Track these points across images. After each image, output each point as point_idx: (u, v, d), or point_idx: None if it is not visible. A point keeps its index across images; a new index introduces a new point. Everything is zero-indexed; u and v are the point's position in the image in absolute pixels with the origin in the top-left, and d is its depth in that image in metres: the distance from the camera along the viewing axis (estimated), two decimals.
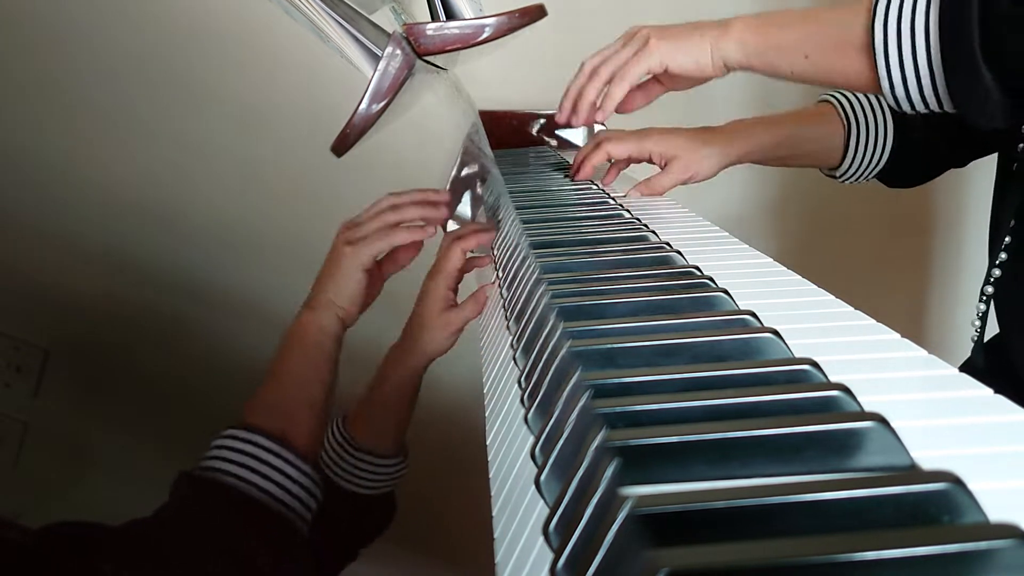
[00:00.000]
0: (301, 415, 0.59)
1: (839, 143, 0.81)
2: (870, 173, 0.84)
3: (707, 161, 0.80)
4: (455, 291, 0.70)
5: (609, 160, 0.84)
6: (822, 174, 0.88)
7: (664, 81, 0.72)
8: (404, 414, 0.73)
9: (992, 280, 0.70)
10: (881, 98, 0.81)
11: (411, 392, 0.73)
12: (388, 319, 0.73)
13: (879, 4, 0.56)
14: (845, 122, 0.81)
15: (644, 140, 0.81)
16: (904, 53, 0.55)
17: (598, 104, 0.72)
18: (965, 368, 0.35)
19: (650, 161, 0.83)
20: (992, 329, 0.73)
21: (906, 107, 0.57)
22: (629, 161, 0.85)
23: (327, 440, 0.75)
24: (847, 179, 0.85)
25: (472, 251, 0.73)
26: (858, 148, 0.81)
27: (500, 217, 0.77)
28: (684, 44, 0.66)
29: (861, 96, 0.81)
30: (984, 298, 0.71)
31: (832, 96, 0.82)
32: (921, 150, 0.81)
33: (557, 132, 1.15)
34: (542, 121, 1.15)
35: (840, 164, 0.82)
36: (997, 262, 0.70)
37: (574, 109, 0.72)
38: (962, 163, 0.83)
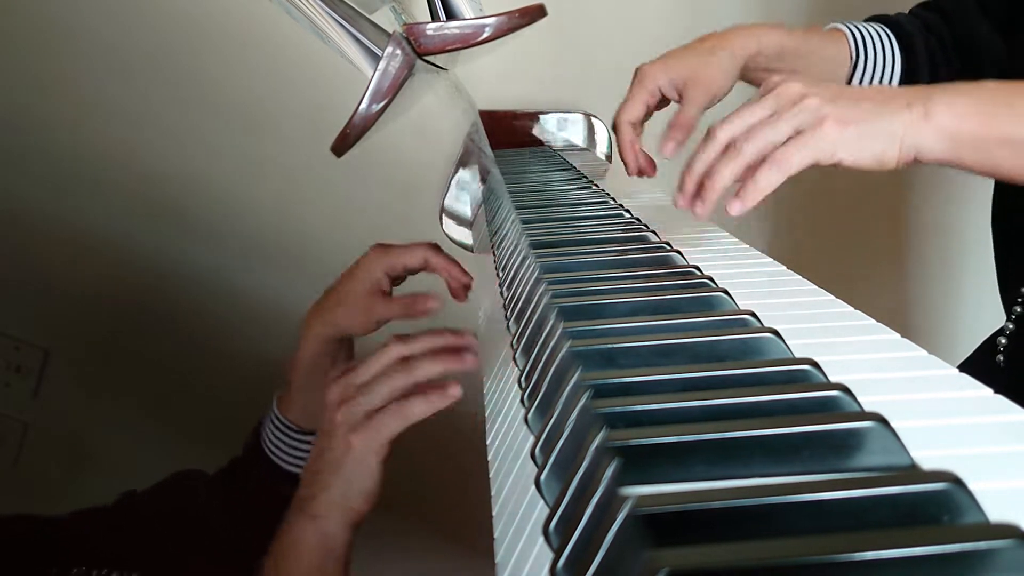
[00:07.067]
0: None
1: (843, 73, 0.73)
2: None
3: (720, 70, 0.68)
4: (392, 280, 0.67)
5: (638, 128, 0.72)
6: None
7: None
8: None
9: (1015, 316, 0.69)
10: (893, 35, 0.73)
11: (327, 364, 0.67)
12: (399, 322, 0.72)
13: None
14: (854, 52, 0.73)
15: (644, 80, 0.69)
16: None
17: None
18: (965, 367, 0.35)
19: (664, 100, 0.71)
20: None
21: None
22: (649, 112, 0.72)
23: (268, 426, 0.71)
24: None
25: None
26: (863, 82, 0.73)
27: (500, 220, 0.77)
28: (871, 131, 0.49)
29: (872, 30, 0.74)
30: (1009, 331, 0.70)
31: (844, 24, 0.75)
32: None
33: (554, 131, 1.15)
34: (543, 121, 1.15)
35: None
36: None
37: (699, 193, 0.54)
38: None
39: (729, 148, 0.53)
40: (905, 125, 0.49)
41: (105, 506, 0.70)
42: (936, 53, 0.75)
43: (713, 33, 0.71)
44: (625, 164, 0.73)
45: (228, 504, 0.71)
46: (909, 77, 0.75)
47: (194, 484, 0.73)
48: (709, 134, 0.54)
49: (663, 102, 0.72)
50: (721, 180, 0.52)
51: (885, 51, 0.72)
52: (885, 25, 0.76)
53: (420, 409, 0.52)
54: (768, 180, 0.51)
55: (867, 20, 0.79)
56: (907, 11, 0.80)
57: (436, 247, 0.69)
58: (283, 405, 0.71)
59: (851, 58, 0.72)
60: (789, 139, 0.50)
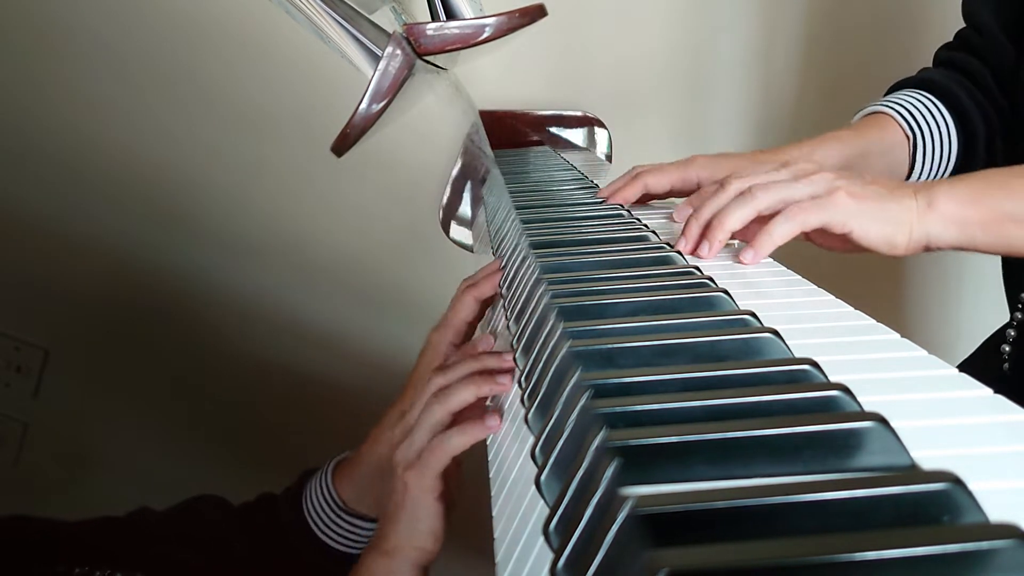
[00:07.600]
0: None
1: (904, 156, 0.73)
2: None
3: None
4: (459, 345, 0.63)
5: (647, 192, 0.71)
6: None
7: (814, 236, 0.55)
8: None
9: (1016, 323, 0.68)
10: (934, 97, 0.72)
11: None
12: (398, 323, 0.71)
13: None
14: (910, 132, 0.72)
15: (688, 167, 0.69)
16: None
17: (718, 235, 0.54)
18: (965, 368, 0.35)
19: (695, 189, 0.70)
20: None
21: None
22: (671, 195, 0.72)
23: (315, 490, 0.68)
24: None
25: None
26: (926, 158, 0.72)
27: (500, 220, 0.77)
28: (881, 212, 0.52)
29: (916, 100, 0.73)
30: (1011, 338, 0.69)
31: (886, 105, 0.74)
32: (983, 151, 0.74)
33: (554, 131, 1.15)
34: (543, 121, 1.15)
35: (907, 179, 0.74)
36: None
37: (705, 235, 0.55)
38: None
39: (743, 195, 0.54)
40: (912, 213, 0.52)
41: (116, 516, 0.69)
42: (984, 105, 0.73)
43: (772, 150, 0.72)
44: (614, 191, 0.71)
45: (244, 536, 0.69)
46: (967, 138, 0.73)
47: (212, 510, 0.71)
48: (722, 185, 0.56)
49: (691, 191, 0.70)
50: (729, 222, 0.54)
51: (936, 119, 0.72)
52: (921, 89, 0.74)
53: (458, 441, 0.50)
54: (781, 231, 0.52)
55: (898, 86, 0.77)
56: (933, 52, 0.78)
57: (470, 282, 0.64)
58: (341, 475, 0.67)
59: (908, 139, 0.73)
60: (808, 202, 0.52)
